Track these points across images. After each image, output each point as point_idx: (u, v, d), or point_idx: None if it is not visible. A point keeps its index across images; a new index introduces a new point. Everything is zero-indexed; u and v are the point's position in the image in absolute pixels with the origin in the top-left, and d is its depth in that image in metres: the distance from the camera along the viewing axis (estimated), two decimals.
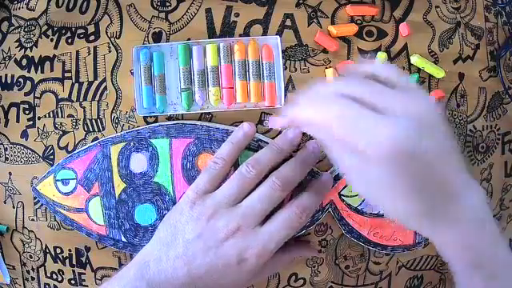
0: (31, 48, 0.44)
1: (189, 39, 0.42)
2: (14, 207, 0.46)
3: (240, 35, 0.43)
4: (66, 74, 0.44)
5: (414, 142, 0.30)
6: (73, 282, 0.47)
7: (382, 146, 0.30)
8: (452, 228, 0.33)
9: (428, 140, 0.31)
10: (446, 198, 0.32)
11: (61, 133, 0.44)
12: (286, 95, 0.42)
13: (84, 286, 0.47)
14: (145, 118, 0.43)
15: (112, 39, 0.43)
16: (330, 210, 0.43)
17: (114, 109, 0.43)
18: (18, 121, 0.45)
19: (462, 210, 0.33)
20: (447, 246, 0.34)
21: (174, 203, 0.42)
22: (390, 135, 0.30)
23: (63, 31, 0.44)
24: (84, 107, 0.44)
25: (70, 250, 0.46)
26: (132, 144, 0.43)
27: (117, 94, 0.43)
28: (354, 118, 0.31)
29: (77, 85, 0.44)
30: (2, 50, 0.45)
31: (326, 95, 0.33)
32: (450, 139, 0.33)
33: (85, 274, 0.46)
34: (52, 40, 0.44)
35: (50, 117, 0.44)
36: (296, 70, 0.43)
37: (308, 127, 0.35)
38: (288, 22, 0.42)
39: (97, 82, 0.43)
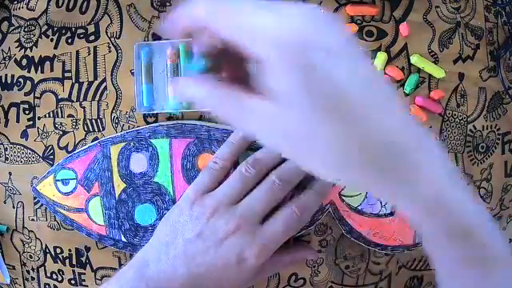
0: (31, 48, 0.44)
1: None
2: (14, 207, 0.46)
3: None
4: (66, 74, 0.44)
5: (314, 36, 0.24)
6: (73, 282, 0.47)
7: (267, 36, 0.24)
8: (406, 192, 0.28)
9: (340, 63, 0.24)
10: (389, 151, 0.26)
11: (61, 133, 0.44)
12: None
13: (84, 286, 0.47)
14: (145, 118, 0.43)
15: (112, 39, 0.43)
16: (329, 209, 0.43)
17: (113, 109, 0.43)
18: (18, 121, 0.45)
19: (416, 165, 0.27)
20: (412, 212, 0.29)
21: (174, 203, 0.42)
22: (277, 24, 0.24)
23: (63, 31, 0.44)
24: (84, 107, 0.44)
25: (70, 250, 0.46)
26: (132, 144, 0.43)
27: (117, 94, 0.43)
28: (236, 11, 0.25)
29: (77, 85, 0.44)
30: (2, 50, 0.45)
31: None
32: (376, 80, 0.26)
33: (85, 273, 0.46)
34: (52, 40, 0.44)
35: (50, 117, 0.44)
36: None
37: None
38: None
39: (97, 82, 0.43)
